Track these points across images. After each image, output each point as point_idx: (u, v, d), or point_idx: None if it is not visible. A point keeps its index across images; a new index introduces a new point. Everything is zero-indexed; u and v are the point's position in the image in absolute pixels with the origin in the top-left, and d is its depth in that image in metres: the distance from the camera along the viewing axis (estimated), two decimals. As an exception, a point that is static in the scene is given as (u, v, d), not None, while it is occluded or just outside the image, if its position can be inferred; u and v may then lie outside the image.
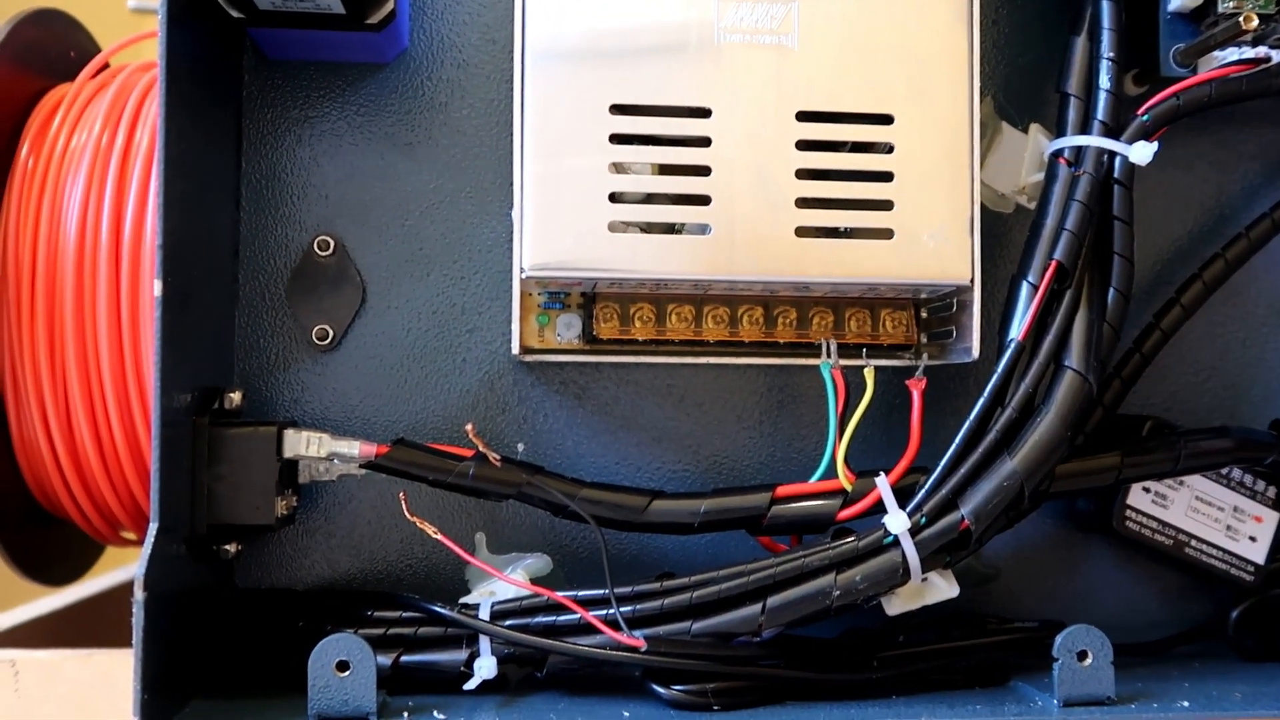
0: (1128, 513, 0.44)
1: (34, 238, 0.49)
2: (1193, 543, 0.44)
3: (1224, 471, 0.45)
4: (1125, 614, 0.46)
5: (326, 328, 0.44)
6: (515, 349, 0.40)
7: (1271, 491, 0.45)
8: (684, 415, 0.45)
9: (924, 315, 0.44)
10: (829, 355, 0.41)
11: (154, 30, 0.55)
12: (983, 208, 0.43)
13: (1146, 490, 0.44)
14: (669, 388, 0.45)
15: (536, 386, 0.45)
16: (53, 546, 0.57)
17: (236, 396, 0.42)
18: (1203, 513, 0.44)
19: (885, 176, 0.40)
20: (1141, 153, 0.40)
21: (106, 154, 0.49)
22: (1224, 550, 0.44)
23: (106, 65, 0.56)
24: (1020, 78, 0.47)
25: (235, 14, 0.40)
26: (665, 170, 0.39)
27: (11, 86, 0.52)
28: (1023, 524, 0.44)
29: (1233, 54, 0.43)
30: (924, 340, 0.44)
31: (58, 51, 0.56)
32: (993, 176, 0.45)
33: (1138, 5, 0.44)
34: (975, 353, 0.41)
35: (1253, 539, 0.45)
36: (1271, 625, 0.45)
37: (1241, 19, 0.41)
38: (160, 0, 0.39)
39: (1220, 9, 0.42)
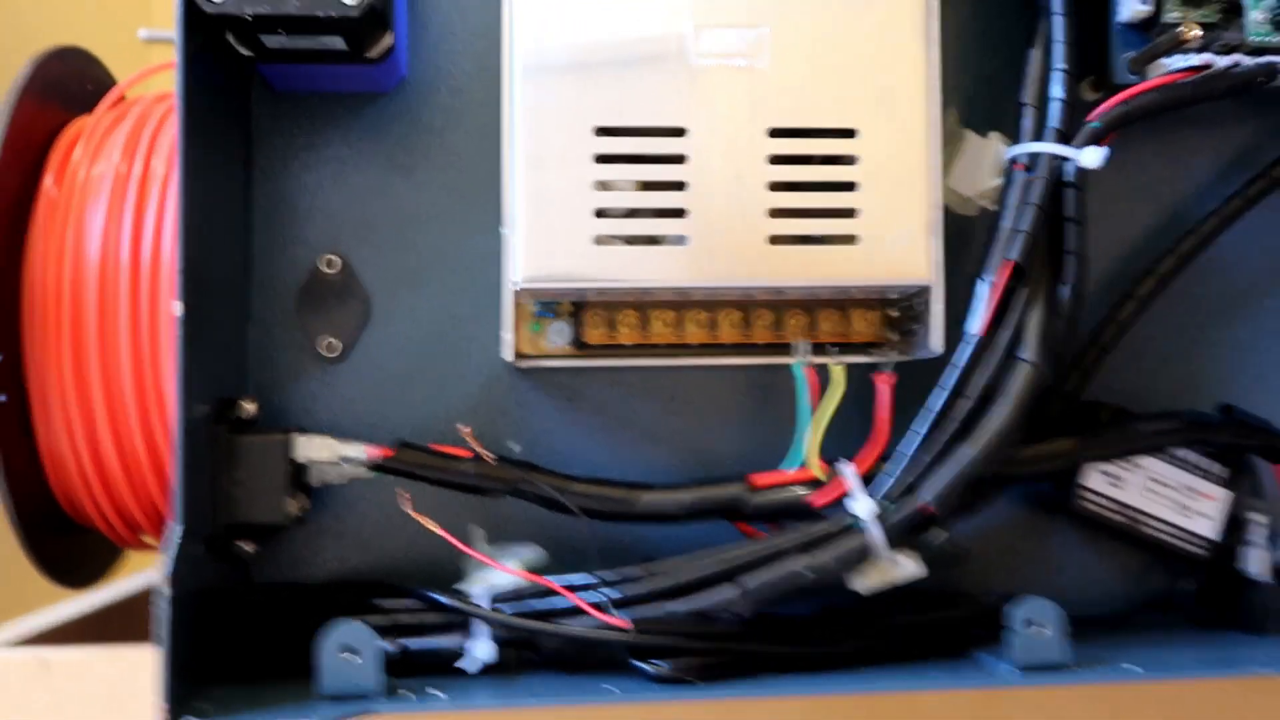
0: (1083, 493, 0.46)
1: (58, 261, 0.52)
2: (1148, 520, 0.47)
3: (1176, 453, 0.47)
4: (1087, 589, 0.49)
5: (334, 340, 0.47)
6: (509, 356, 0.43)
7: (1224, 473, 0.48)
8: (670, 414, 0.48)
9: (893, 315, 0.46)
10: (802, 354, 0.44)
11: (164, 64, 0.58)
12: (949, 211, 0.46)
13: (1104, 473, 0.47)
14: (656, 388, 0.48)
15: (532, 390, 0.48)
16: (77, 552, 0.60)
17: (251, 406, 0.45)
18: (1157, 492, 0.47)
19: (850, 186, 0.42)
20: (1092, 157, 0.43)
21: (124, 181, 0.53)
22: (1178, 526, 0.47)
23: (123, 98, 0.59)
24: (984, 88, 0.50)
25: (245, 52, 0.43)
26: (646, 186, 0.42)
27: (36, 120, 0.55)
28: (990, 509, 0.47)
29: (1179, 61, 0.46)
30: (894, 338, 0.46)
31: (77, 86, 0.59)
32: (958, 182, 0.48)
33: (1091, 16, 0.47)
34: (939, 348, 0.43)
35: (1205, 515, 0.47)
36: (1225, 595, 0.48)
37: (1183, 28, 0.44)
38: (177, 40, 0.42)
39: (1165, 19, 0.46)
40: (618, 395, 0.48)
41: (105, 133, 0.55)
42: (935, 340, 0.43)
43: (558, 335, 0.46)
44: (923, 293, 0.44)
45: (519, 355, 0.45)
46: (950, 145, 0.48)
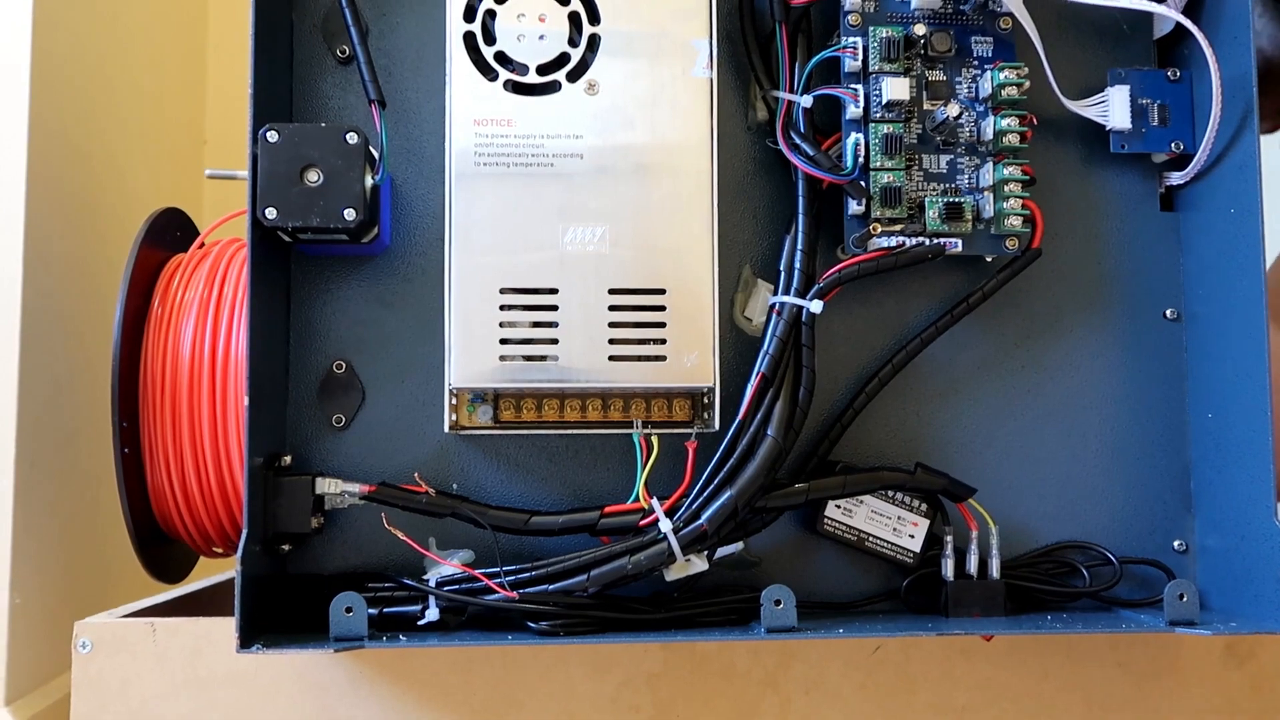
0: (825, 520, 0.71)
1: (163, 359, 0.77)
2: (871, 538, 0.71)
3: (890, 494, 0.72)
4: (837, 585, 0.73)
5: (341, 416, 0.72)
6: (447, 427, 0.69)
7: (924, 507, 0.72)
8: (558, 463, 0.72)
9: (698, 401, 0.71)
10: (636, 429, 0.69)
11: (231, 214, 0.84)
12: (743, 333, 0.71)
13: (839, 506, 0.71)
14: (548, 448, 0.73)
15: (469, 449, 0.73)
16: (170, 557, 0.85)
17: (288, 458, 0.70)
18: (876, 519, 0.72)
19: (661, 324, 0.67)
20: (816, 306, 0.68)
21: (206, 304, 0.78)
22: (892, 543, 0.72)
23: (203, 243, 0.85)
24: (772, 250, 0.74)
25: (287, 239, 0.69)
26: (533, 324, 0.67)
27: (148, 260, 0.80)
28: (774, 530, 0.72)
29: (885, 241, 0.70)
30: (704, 417, 0.71)
31: (172, 234, 0.85)
32: (751, 313, 0.73)
33: (837, 207, 0.72)
34: (716, 426, 0.68)
35: (911, 536, 0.72)
36: (926, 590, 0.72)
37: (872, 225, 0.69)
38: (248, 232, 0.67)
39: (874, 214, 0.70)
40: (523, 451, 0.73)
41: (193, 269, 0.81)
42: (715, 421, 0.68)
43: (483, 414, 0.71)
44: (709, 392, 0.69)
45: (457, 426, 0.70)
46: (746, 290, 0.74)
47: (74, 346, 0.93)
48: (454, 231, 0.67)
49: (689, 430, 0.70)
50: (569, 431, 0.71)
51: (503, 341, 0.67)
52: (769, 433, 0.67)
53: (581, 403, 0.70)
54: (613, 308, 0.67)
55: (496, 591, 0.66)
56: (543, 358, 0.67)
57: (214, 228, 0.86)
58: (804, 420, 0.69)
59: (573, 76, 0.67)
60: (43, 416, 0.87)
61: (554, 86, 0.67)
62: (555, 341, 0.67)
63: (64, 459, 0.91)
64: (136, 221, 0.82)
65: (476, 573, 0.67)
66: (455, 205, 0.67)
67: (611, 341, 0.67)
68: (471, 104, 0.67)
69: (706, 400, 0.69)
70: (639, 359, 0.67)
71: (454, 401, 0.69)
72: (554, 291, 0.67)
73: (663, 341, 0.67)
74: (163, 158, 1.18)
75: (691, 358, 0.67)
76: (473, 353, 0.67)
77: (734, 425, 0.68)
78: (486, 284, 0.67)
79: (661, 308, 0.67)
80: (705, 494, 0.67)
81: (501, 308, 0.67)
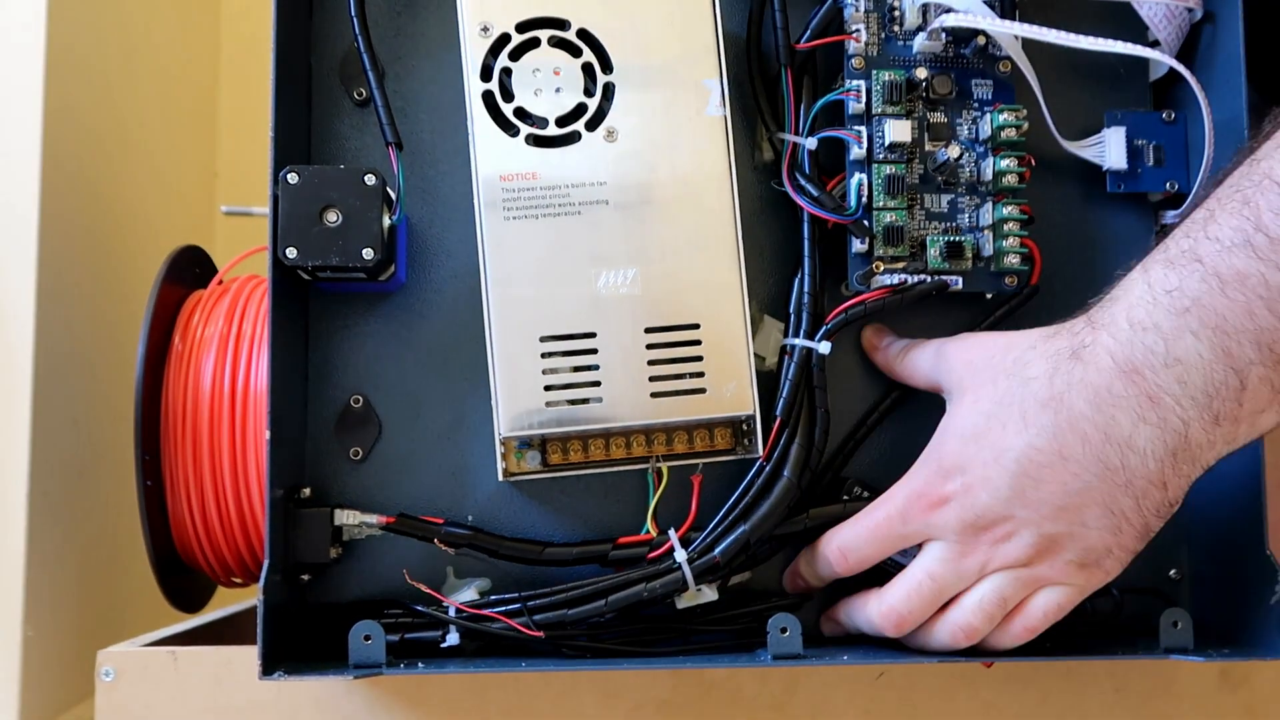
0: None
1: (184, 395, 0.78)
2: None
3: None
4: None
5: (358, 449, 0.74)
6: (500, 476, 0.69)
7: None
8: (570, 495, 0.73)
9: (738, 429, 0.72)
10: (650, 464, 0.70)
11: (250, 250, 0.86)
12: (760, 370, 0.73)
13: (841, 532, 0.73)
14: (559, 480, 0.73)
15: (482, 482, 0.74)
16: (188, 587, 0.87)
17: (307, 491, 0.72)
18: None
19: (698, 358, 0.68)
20: (824, 348, 0.70)
21: (226, 339, 0.80)
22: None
23: (221, 280, 0.87)
24: (779, 287, 0.76)
25: (306, 277, 0.71)
26: (575, 368, 0.68)
27: (168, 297, 0.82)
28: (781, 555, 0.74)
29: (887, 279, 0.73)
30: (745, 443, 0.71)
31: (191, 270, 0.87)
32: (762, 350, 0.75)
33: (839, 245, 0.74)
34: (760, 452, 0.69)
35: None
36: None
37: (874, 265, 0.71)
38: (269, 270, 0.68)
39: (876, 253, 0.72)
40: (534, 485, 0.74)
41: (213, 305, 0.83)
42: (757, 446, 0.70)
43: (531, 460, 0.70)
44: (749, 419, 0.70)
45: (509, 474, 0.70)
46: (754, 326, 0.76)
47: (88, 380, 0.95)
48: (490, 286, 0.68)
49: (739, 457, 0.71)
50: (616, 469, 0.72)
51: (547, 388, 0.68)
52: (785, 473, 0.69)
53: (626, 439, 0.70)
54: (650, 346, 0.68)
55: (506, 622, 0.68)
56: (587, 400, 0.68)
57: (232, 265, 0.88)
58: (819, 459, 0.70)
59: (591, 125, 0.69)
60: (57, 451, 0.89)
61: (574, 137, 0.69)
62: (598, 384, 0.68)
63: (78, 493, 0.93)
64: (150, 254, 0.84)
65: (490, 609, 0.68)
66: (489, 260, 0.68)
67: (652, 379, 0.68)
68: (496, 160, 0.69)
69: (746, 427, 0.71)
70: (680, 393, 0.68)
71: (503, 450, 0.70)
72: (592, 335, 0.68)
73: (701, 374, 0.68)
74: (175, 190, 1.20)
75: (730, 387, 0.69)
76: (519, 401, 0.68)
77: (754, 468, 0.70)
78: (527, 334, 0.68)
79: (697, 342, 0.68)
80: (720, 529, 0.69)
81: (543, 355, 0.68)
